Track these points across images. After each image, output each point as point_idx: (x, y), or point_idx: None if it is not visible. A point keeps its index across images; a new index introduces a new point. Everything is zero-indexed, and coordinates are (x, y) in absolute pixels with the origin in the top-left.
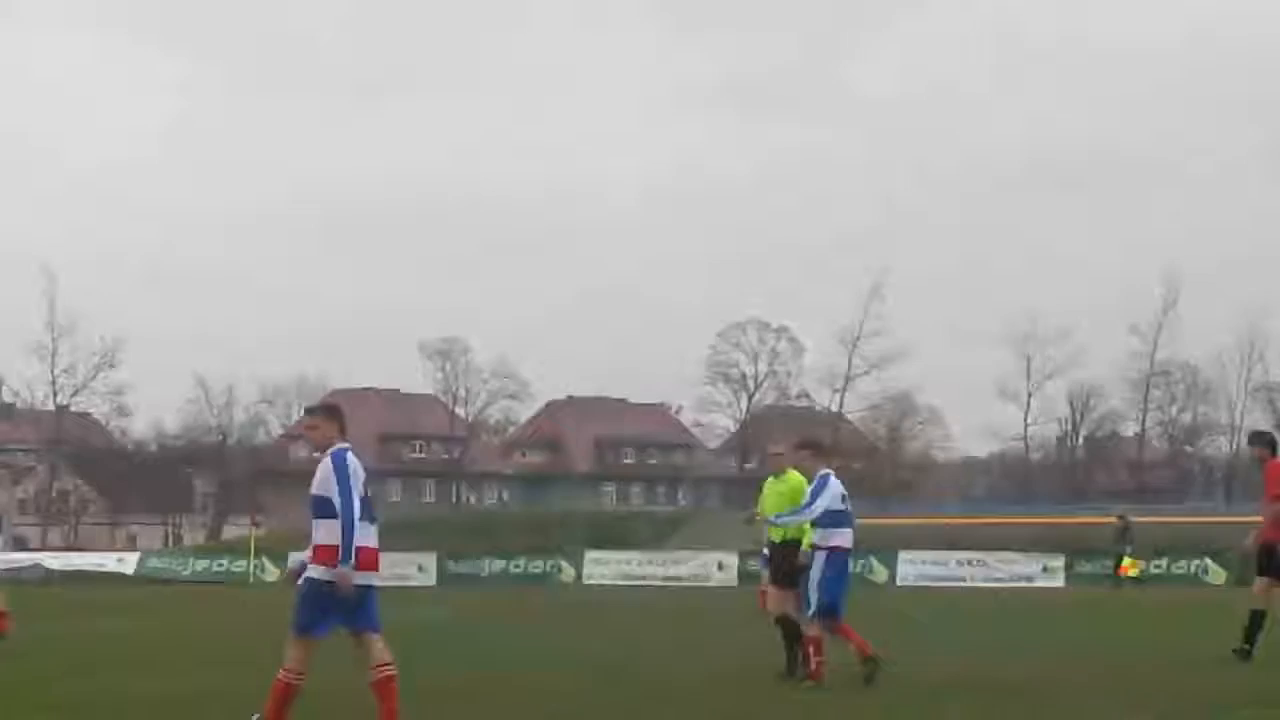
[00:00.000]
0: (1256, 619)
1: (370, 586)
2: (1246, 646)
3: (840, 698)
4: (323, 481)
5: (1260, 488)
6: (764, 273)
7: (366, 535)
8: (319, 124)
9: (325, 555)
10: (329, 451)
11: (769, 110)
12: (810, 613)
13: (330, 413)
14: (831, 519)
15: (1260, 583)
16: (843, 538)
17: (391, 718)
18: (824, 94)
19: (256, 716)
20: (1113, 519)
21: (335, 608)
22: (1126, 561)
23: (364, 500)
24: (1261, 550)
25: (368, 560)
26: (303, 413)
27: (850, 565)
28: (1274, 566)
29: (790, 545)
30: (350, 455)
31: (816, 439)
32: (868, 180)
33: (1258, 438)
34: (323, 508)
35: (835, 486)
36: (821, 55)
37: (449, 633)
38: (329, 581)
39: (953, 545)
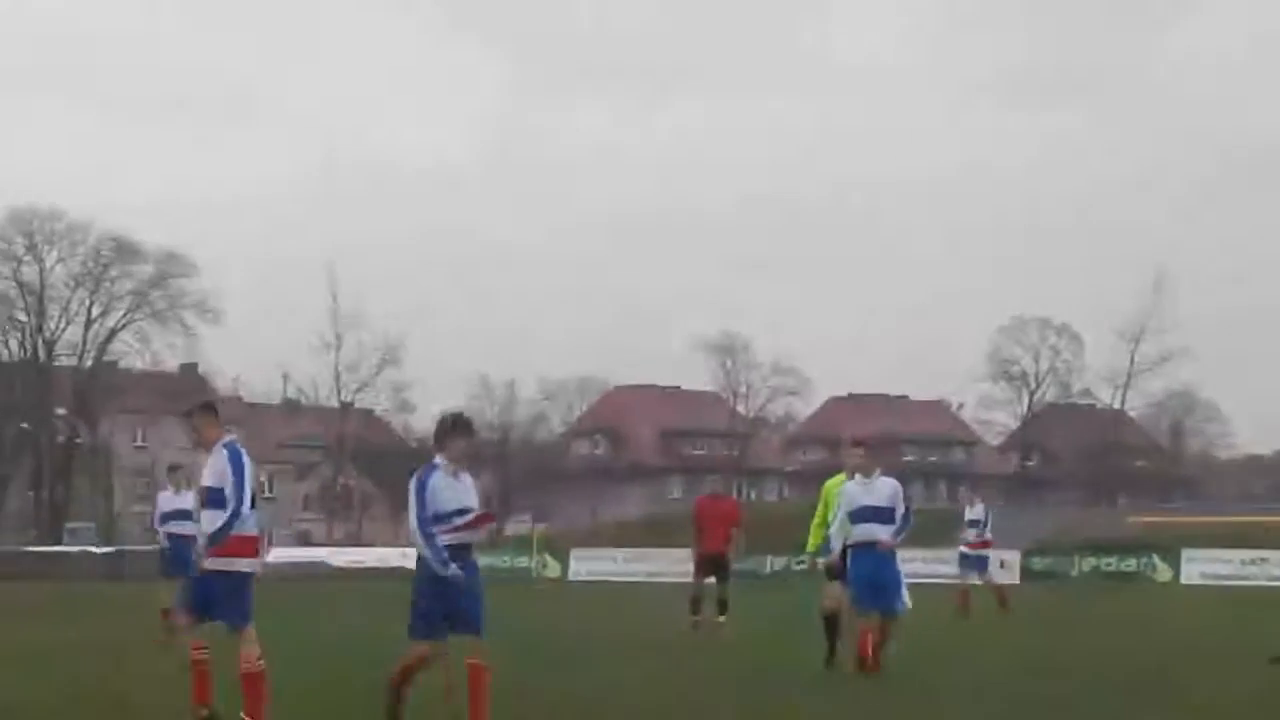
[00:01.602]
0: None
1: (251, 574)
2: None
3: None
4: (218, 474)
5: None
6: (1043, 267)
7: (248, 525)
8: (609, 124)
9: (242, 547)
10: (223, 444)
11: (1042, 99)
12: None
13: (208, 409)
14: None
15: None
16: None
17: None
18: (1105, 84)
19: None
20: None
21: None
22: None
23: (253, 493)
24: None
25: (248, 549)
26: (184, 415)
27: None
28: None
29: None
30: (241, 448)
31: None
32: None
33: None
34: (215, 498)
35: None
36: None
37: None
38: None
39: (1237, 543)
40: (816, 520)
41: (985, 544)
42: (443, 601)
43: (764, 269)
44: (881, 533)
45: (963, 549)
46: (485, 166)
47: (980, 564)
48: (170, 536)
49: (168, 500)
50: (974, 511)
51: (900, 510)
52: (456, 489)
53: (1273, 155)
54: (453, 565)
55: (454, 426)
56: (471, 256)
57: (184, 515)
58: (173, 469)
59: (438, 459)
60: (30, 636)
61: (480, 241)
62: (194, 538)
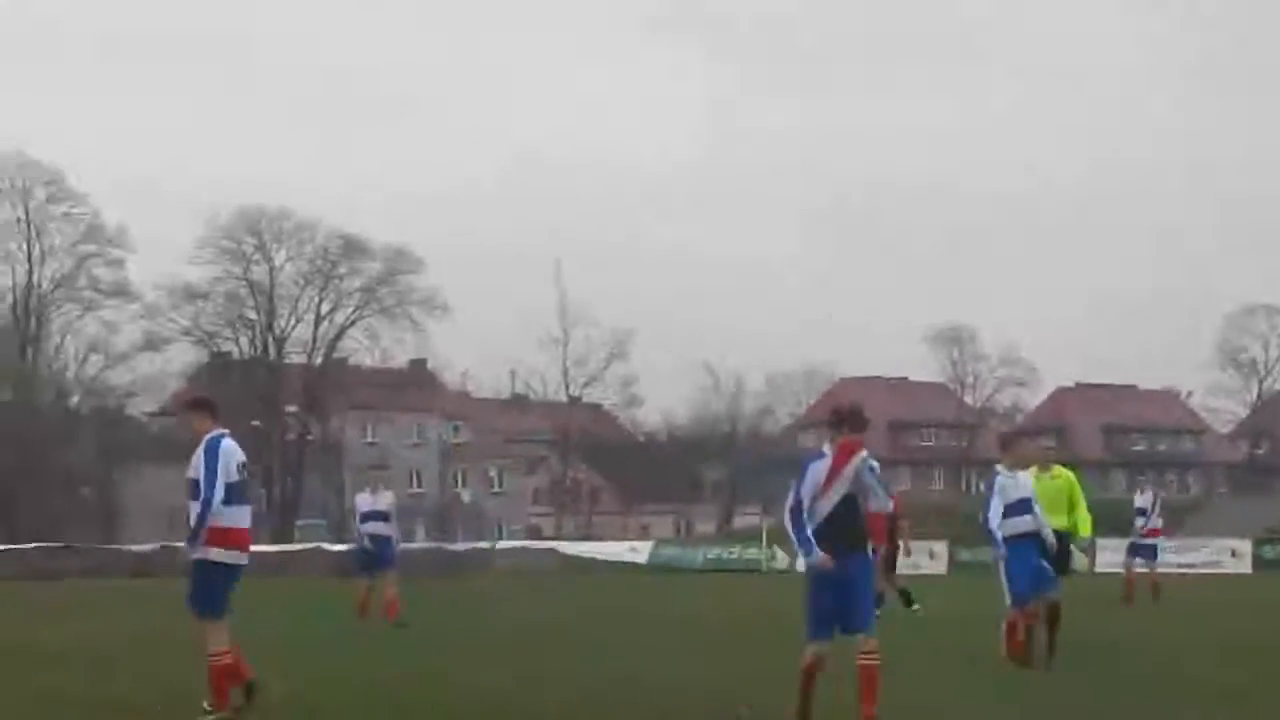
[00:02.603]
0: None
1: (240, 566)
2: None
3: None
4: (195, 466)
5: None
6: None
7: (239, 517)
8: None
9: (213, 537)
10: (205, 437)
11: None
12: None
13: (196, 405)
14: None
15: None
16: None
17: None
18: None
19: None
20: None
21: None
22: None
23: (236, 484)
24: None
25: (239, 540)
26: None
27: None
28: None
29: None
30: (226, 441)
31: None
32: None
33: None
34: (194, 490)
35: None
36: None
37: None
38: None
39: None
40: None
41: (1154, 532)
42: (830, 598)
43: (987, 258)
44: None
45: (1133, 539)
46: (698, 164)
47: (1148, 552)
48: (370, 536)
49: (365, 501)
50: (1142, 499)
51: None
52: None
53: None
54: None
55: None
56: (691, 251)
57: (380, 516)
58: (373, 470)
59: (826, 448)
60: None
61: (696, 237)
62: (389, 538)
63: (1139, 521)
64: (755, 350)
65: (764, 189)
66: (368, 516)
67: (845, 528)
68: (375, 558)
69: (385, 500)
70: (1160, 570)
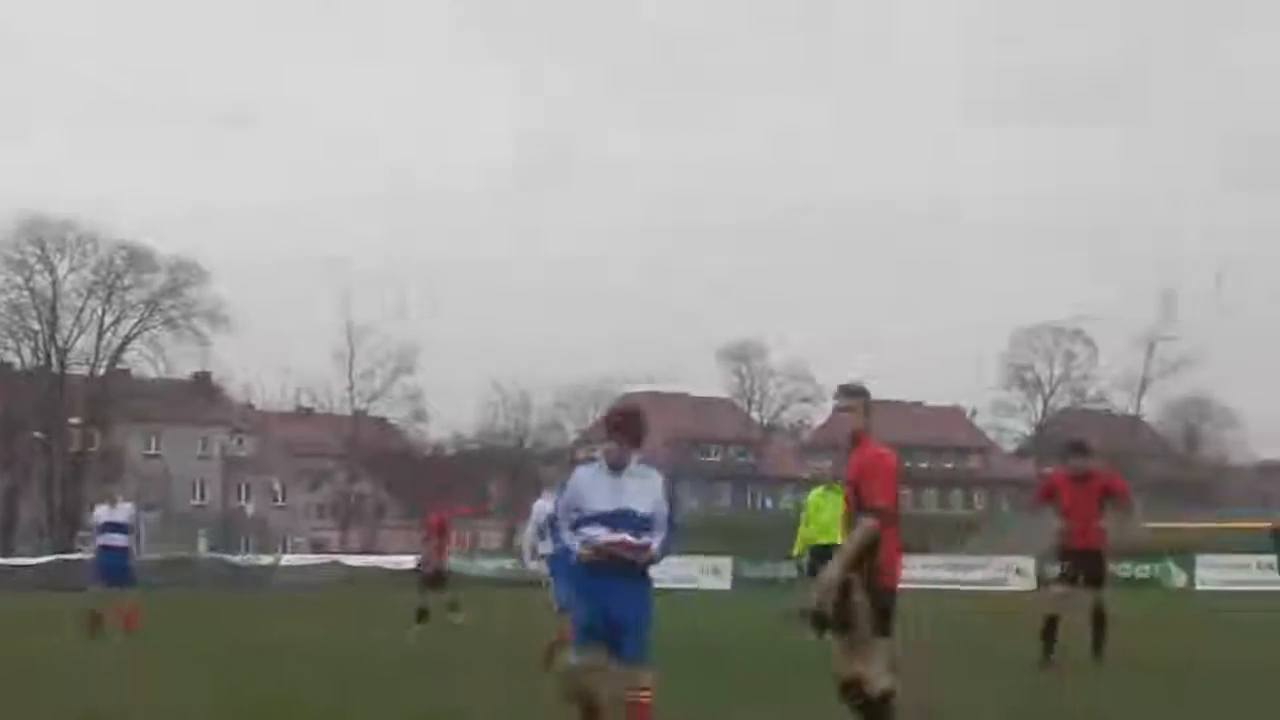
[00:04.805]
0: None
1: None
2: None
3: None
4: None
5: None
6: (1055, 275)
7: None
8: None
9: None
10: None
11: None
12: None
13: None
14: None
15: None
16: None
17: None
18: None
19: None
20: (1271, 524)
21: None
22: None
23: None
24: None
25: None
26: None
27: None
28: None
29: None
30: None
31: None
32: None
33: None
34: None
35: None
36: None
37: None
38: None
39: (1253, 550)
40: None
41: None
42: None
43: (775, 275)
44: None
45: None
46: (499, 176)
47: None
48: (104, 548)
49: (103, 513)
50: None
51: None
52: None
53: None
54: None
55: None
56: (484, 264)
57: (117, 528)
58: (107, 482)
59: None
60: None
61: (492, 250)
62: (126, 549)
63: None
64: (545, 365)
65: (561, 204)
66: (105, 528)
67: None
68: (110, 570)
69: (124, 512)
70: (945, 587)
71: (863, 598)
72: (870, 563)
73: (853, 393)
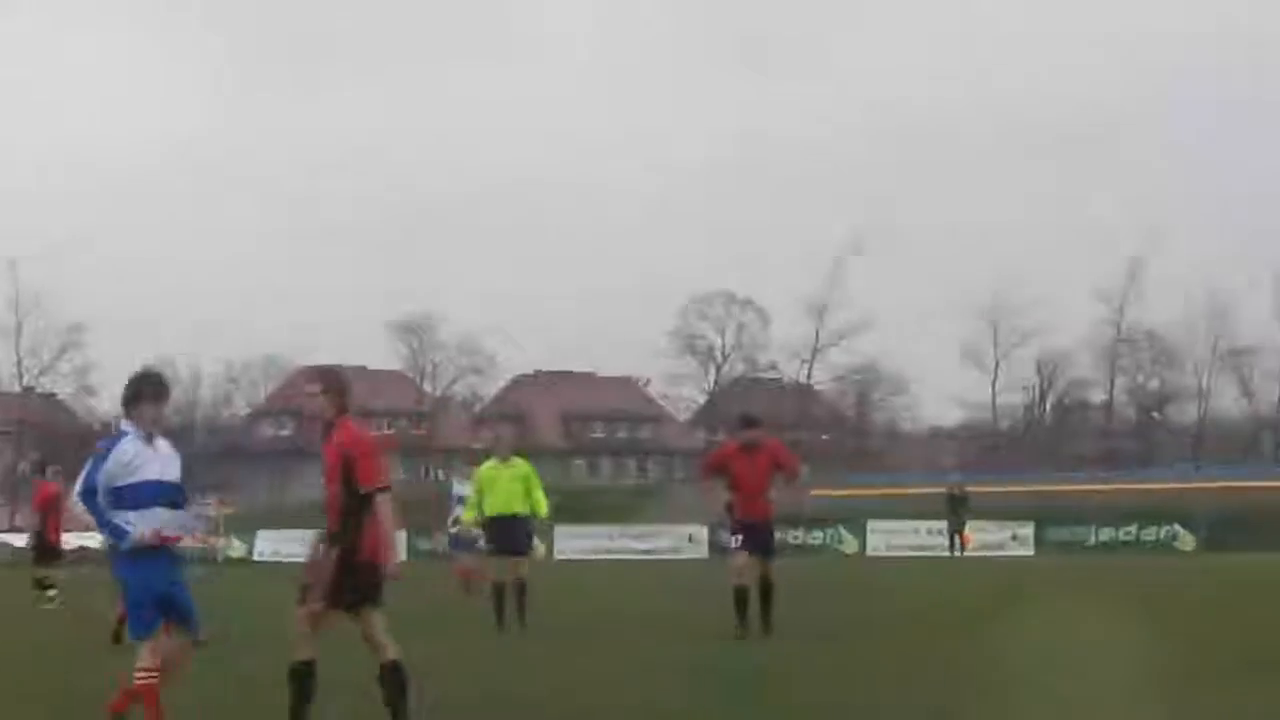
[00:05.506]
0: None
1: None
2: None
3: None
4: None
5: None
6: (730, 243)
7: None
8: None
9: None
10: None
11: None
12: None
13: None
14: None
15: None
16: None
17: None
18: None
19: None
20: (947, 489)
21: None
22: (968, 530)
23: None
24: None
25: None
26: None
27: None
28: None
29: None
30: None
31: None
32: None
33: None
34: None
35: None
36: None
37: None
38: None
39: (921, 515)
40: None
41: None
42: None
43: (445, 246)
44: None
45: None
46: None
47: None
48: None
49: None
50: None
51: None
52: (148, 456)
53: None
54: (131, 533)
55: (141, 389)
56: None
57: None
58: None
59: (125, 425)
60: None
61: (162, 225)
62: None
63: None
64: (214, 340)
65: (223, 186)
66: None
67: None
68: None
69: None
70: (621, 557)
71: (338, 573)
72: (353, 540)
73: (317, 377)
